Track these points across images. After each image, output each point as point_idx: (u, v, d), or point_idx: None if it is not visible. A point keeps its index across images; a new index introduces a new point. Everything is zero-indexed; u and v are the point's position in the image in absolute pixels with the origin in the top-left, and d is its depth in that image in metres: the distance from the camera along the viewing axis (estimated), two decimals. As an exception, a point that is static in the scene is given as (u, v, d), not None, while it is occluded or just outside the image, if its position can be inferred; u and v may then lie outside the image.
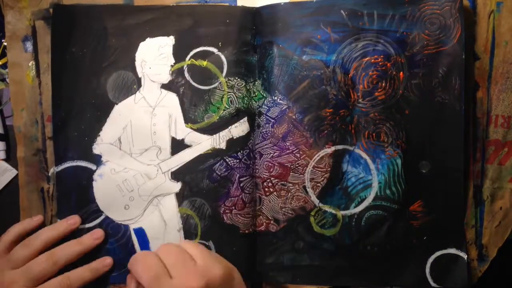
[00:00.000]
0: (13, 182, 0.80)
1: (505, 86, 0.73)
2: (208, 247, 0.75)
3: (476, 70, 0.73)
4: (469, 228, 0.74)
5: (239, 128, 0.75)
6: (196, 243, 0.61)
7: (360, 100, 0.73)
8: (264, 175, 0.75)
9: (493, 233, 0.74)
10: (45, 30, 0.77)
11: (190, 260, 0.58)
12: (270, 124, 0.75)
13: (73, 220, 0.75)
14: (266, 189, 0.75)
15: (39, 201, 0.78)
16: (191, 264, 0.57)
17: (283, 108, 0.74)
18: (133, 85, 0.76)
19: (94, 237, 0.75)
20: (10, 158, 0.81)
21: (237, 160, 0.75)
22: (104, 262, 0.75)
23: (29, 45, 0.78)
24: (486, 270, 0.75)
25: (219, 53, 0.75)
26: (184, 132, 0.76)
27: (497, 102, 0.73)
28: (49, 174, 0.78)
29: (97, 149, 0.76)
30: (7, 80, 0.80)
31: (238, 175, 0.75)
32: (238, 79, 0.75)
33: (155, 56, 0.76)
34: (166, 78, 0.76)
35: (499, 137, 0.74)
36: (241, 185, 0.75)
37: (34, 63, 0.78)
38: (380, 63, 0.72)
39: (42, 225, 0.78)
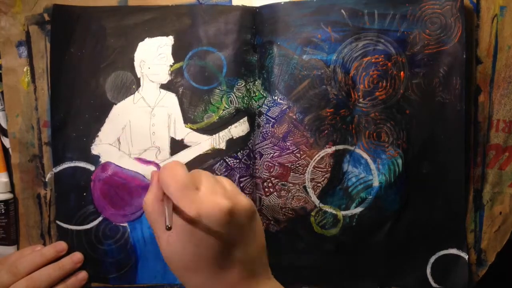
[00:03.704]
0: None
1: (507, 90, 0.73)
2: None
3: (479, 74, 0.73)
4: (469, 233, 0.74)
5: (239, 128, 0.75)
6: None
7: (360, 100, 0.73)
8: (264, 175, 0.75)
9: (492, 238, 0.74)
10: (39, 35, 0.76)
11: (220, 184, 0.57)
12: (270, 124, 0.74)
13: (60, 247, 0.75)
14: (266, 189, 0.75)
15: (36, 207, 0.78)
16: (220, 186, 0.56)
17: (283, 108, 0.74)
18: (132, 85, 0.75)
19: (75, 261, 0.74)
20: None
21: (237, 160, 0.75)
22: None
23: (23, 51, 0.77)
24: (484, 275, 0.75)
25: (219, 53, 0.75)
26: (183, 132, 0.75)
27: (498, 107, 0.73)
28: (46, 180, 0.77)
29: (96, 149, 0.76)
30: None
31: (238, 175, 0.75)
32: (238, 79, 0.75)
33: (154, 56, 0.75)
34: (165, 78, 0.75)
35: (500, 141, 0.73)
36: (241, 185, 0.75)
37: (29, 68, 0.77)
38: (380, 63, 0.72)
39: (40, 231, 0.78)
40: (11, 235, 0.78)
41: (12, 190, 0.78)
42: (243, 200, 0.56)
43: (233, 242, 0.54)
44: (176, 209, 0.52)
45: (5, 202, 0.76)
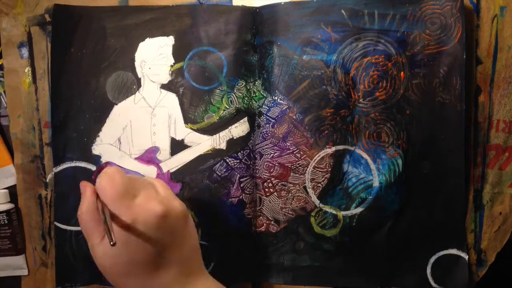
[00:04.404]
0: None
1: (507, 91, 0.73)
2: (209, 248, 0.75)
3: (479, 74, 0.73)
4: (469, 233, 0.74)
5: (239, 128, 0.75)
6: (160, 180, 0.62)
7: (360, 100, 0.73)
8: (265, 176, 0.75)
9: (492, 238, 0.74)
10: (41, 36, 0.77)
11: (154, 189, 0.58)
12: (271, 124, 0.74)
13: None
14: (267, 189, 0.75)
15: (37, 208, 0.78)
16: (154, 191, 0.58)
17: (284, 108, 0.74)
18: (132, 85, 0.76)
19: None
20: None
21: (238, 161, 0.75)
22: None
23: (24, 51, 0.77)
24: (484, 275, 0.75)
25: (219, 53, 0.75)
26: (183, 132, 0.75)
27: (498, 107, 0.73)
28: (47, 180, 0.77)
29: (96, 149, 0.76)
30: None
31: (238, 175, 0.75)
32: (238, 79, 0.75)
33: (154, 56, 0.75)
34: (166, 78, 0.75)
35: (500, 142, 0.73)
36: (242, 185, 0.75)
37: (30, 69, 0.77)
38: (380, 63, 0.72)
39: (40, 231, 0.78)
40: (18, 244, 0.77)
41: (14, 195, 0.78)
42: (177, 205, 0.57)
43: (167, 245, 0.55)
44: (112, 216, 0.53)
45: (7, 212, 0.75)
